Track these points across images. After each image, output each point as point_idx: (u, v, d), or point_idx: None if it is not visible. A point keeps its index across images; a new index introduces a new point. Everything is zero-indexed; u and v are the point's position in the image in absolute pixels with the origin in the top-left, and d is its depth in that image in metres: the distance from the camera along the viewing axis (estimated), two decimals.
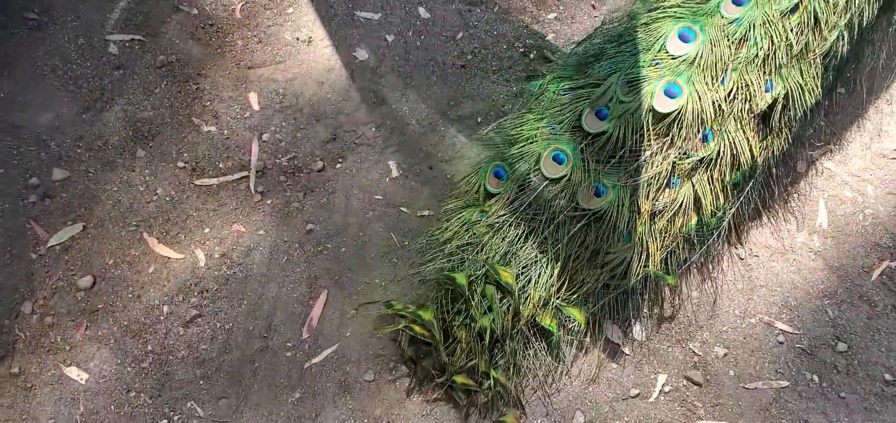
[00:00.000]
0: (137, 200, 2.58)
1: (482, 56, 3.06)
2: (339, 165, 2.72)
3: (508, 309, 2.16)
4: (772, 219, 2.52)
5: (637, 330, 2.30)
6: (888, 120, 2.79)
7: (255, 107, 2.84)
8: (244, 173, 2.67)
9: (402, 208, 2.61)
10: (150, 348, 2.30)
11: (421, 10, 3.19)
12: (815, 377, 2.21)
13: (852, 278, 2.39)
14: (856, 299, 2.34)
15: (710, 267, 2.40)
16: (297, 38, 3.06)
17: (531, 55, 3.06)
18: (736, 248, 2.46)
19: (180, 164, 2.67)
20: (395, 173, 2.71)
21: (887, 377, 2.20)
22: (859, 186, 2.59)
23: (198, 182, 2.64)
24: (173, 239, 2.51)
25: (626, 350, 2.28)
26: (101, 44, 2.93)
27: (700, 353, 2.27)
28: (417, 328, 2.17)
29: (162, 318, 2.35)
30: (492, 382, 2.11)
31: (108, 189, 2.59)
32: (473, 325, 2.12)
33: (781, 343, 2.27)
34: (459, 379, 2.12)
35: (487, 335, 2.10)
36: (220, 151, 2.72)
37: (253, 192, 2.62)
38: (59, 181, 2.59)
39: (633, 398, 2.20)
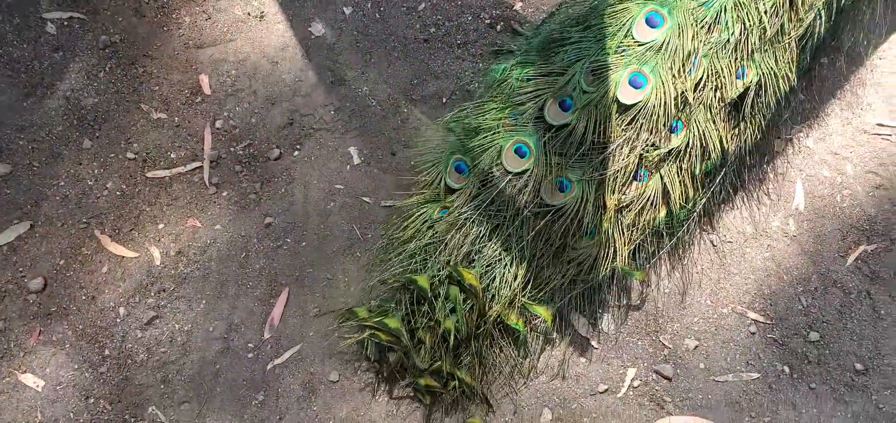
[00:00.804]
0: (87, 194, 2.61)
1: (446, 29, 3.09)
2: (296, 153, 2.77)
3: (472, 310, 2.24)
4: (746, 201, 2.62)
5: (606, 323, 2.41)
6: (871, 92, 2.88)
7: (207, 91, 2.87)
8: (197, 164, 2.71)
9: (364, 198, 2.68)
10: (107, 352, 2.36)
11: None
12: (786, 368, 2.34)
13: (827, 263, 2.51)
14: (829, 285, 2.47)
15: (681, 255, 2.50)
16: (249, 14, 3.07)
17: (498, 27, 3.10)
18: (708, 234, 2.56)
19: (130, 155, 2.70)
20: (356, 160, 2.76)
21: (858, 366, 2.34)
22: (838, 165, 2.70)
23: (149, 174, 2.68)
24: (127, 236, 2.56)
25: (595, 344, 2.40)
26: (37, 23, 2.93)
27: (670, 345, 2.39)
28: (383, 336, 2.24)
29: (119, 320, 2.41)
30: (457, 382, 2.21)
31: (55, 184, 2.62)
32: (438, 327, 2.20)
33: (753, 334, 2.40)
34: (423, 382, 2.22)
35: (451, 337, 2.19)
36: (171, 140, 2.75)
37: (207, 184, 2.67)
38: (2, 176, 2.60)
39: (602, 393, 2.32)
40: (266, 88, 2.89)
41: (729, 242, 2.57)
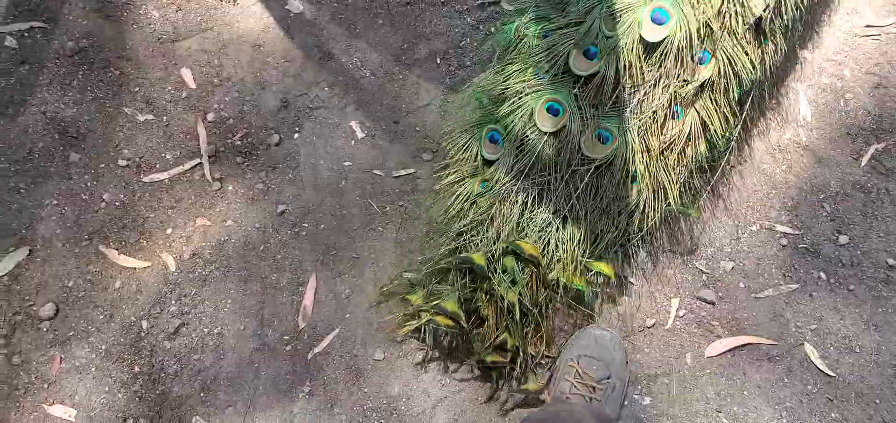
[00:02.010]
0: (84, 210, 2.64)
1: None
2: (297, 136, 2.84)
3: (533, 278, 2.33)
4: (757, 120, 2.80)
5: (641, 259, 2.56)
6: None
7: (191, 85, 2.91)
8: (196, 161, 2.76)
9: (375, 172, 2.77)
10: (137, 369, 2.41)
11: None
12: (823, 275, 2.54)
13: (843, 167, 2.71)
14: (849, 188, 2.67)
15: (705, 180, 2.67)
16: (220, 0, 3.11)
17: None
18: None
19: (122, 162, 2.73)
20: (360, 134, 2.85)
21: (890, 261, 2.55)
22: (836, 71, 2.91)
23: (146, 179, 2.72)
24: (135, 247, 2.60)
25: (634, 281, 2.55)
26: None
27: (707, 270, 2.56)
28: (442, 321, 2.30)
29: (143, 335, 2.46)
30: (522, 357, 2.32)
31: (48, 204, 2.64)
32: (502, 301, 2.28)
33: (784, 246, 2.59)
34: (490, 358, 2.31)
35: (516, 310, 2.27)
36: (163, 140, 2.79)
37: (210, 180, 2.72)
38: None
39: (650, 327, 2.48)
40: (253, 74, 2.95)
41: (745, 160, 2.75)
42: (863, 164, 2.72)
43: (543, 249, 2.36)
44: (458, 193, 2.54)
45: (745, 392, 2.38)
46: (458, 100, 2.89)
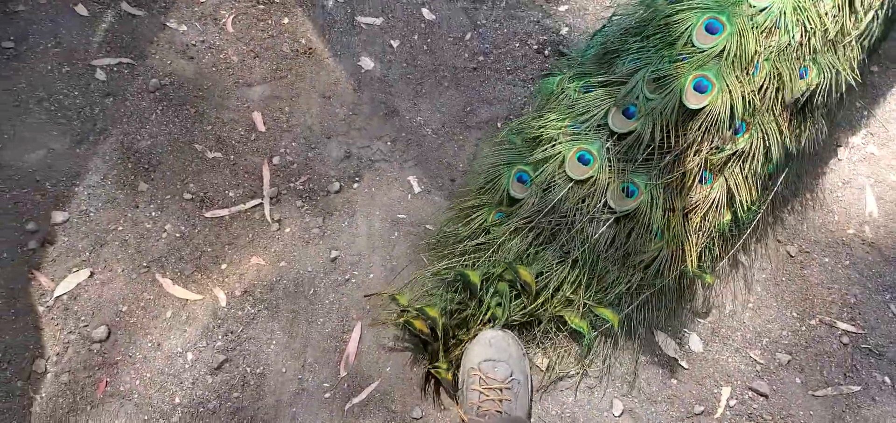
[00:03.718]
0: (145, 238, 2.46)
1: (494, 56, 2.98)
2: (356, 185, 2.63)
3: (523, 308, 2.21)
4: (819, 211, 2.50)
5: (694, 341, 2.26)
6: None
7: (261, 128, 2.74)
8: (257, 201, 2.57)
9: (427, 226, 2.53)
10: (177, 400, 2.20)
11: (425, 11, 3.11)
12: (887, 379, 2.19)
13: None
14: None
15: (762, 268, 2.36)
16: (297, 51, 2.96)
17: (546, 51, 2.99)
18: (785, 246, 2.43)
19: (187, 196, 2.56)
20: (416, 189, 2.63)
21: None
22: None
23: (208, 214, 2.53)
24: (189, 279, 2.40)
25: (684, 364, 2.24)
26: (86, 70, 2.80)
27: (762, 361, 2.24)
28: (418, 324, 2.17)
29: (187, 366, 2.25)
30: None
31: (113, 229, 2.47)
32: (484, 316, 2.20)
33: (846, 345, 2.25)
34: (440, 368, 2.17)
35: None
36: (228, 179, 2.61)
37: (269, 220, 2.52)
38: (59, 224, 2.46)
39: (698, 414, 2.16)
40: (320, 123, 2.77)
41: (806, 252, 2.43)
42: None
43: (544, 284, 2.21)
44: (474, 218, 2.40)
45: None
46: (494, 138, 2.68)
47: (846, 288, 2.35)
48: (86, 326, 2.30)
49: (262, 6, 3.06)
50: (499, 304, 2.21)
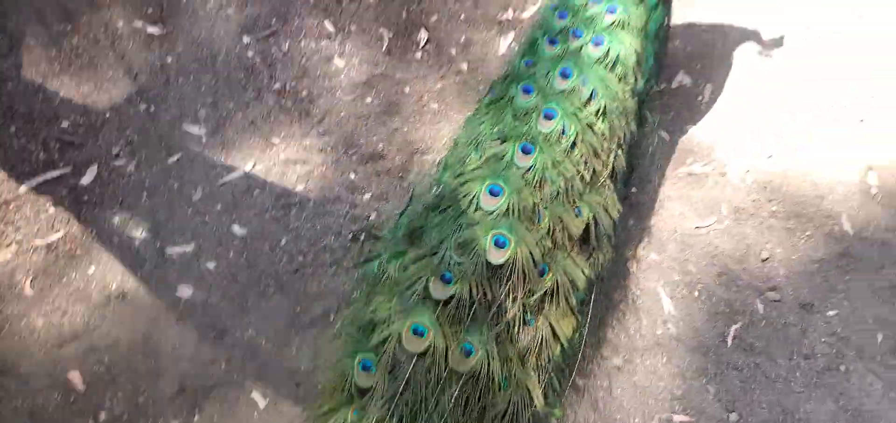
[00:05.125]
0: None
1: (313, 254, 2.90)
2: (196, 418, 2.35)
3: None
4: (629, 321, 2.61)
5: None
6: (675, 205, 3.06)
7: (80, 388, 2.41)
8: None
9: None
10: None
11: (235, 228, 2.97)
12: None
13: (713, 350, 2.54)
14: (725, 368, 2.49)
15: (599, 386, 2.40)
16: (108, 297, 2.68)
17: (361, 238, 2.95)
18: (611, 360, 2.49)
19: None
20: (262, 404, 2.43)
21: None
22: (682, 267, 2.79)
23: None
24: None
25: None
26: None
27: None
28: None
29: None
30: None
31: None
32: None
33: None
34: None
35: None
36: None
37: None
38: None
39: None
40: (146, 365, 2.48)
41: (629, 361, 2.51)
42: (729, 344, 2.54)
43: None
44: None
45: None
46: (332, 333, 2.57)
47: (670, 383, 2.44)
48: None
49: (62, 261, 2.75)
50: None
